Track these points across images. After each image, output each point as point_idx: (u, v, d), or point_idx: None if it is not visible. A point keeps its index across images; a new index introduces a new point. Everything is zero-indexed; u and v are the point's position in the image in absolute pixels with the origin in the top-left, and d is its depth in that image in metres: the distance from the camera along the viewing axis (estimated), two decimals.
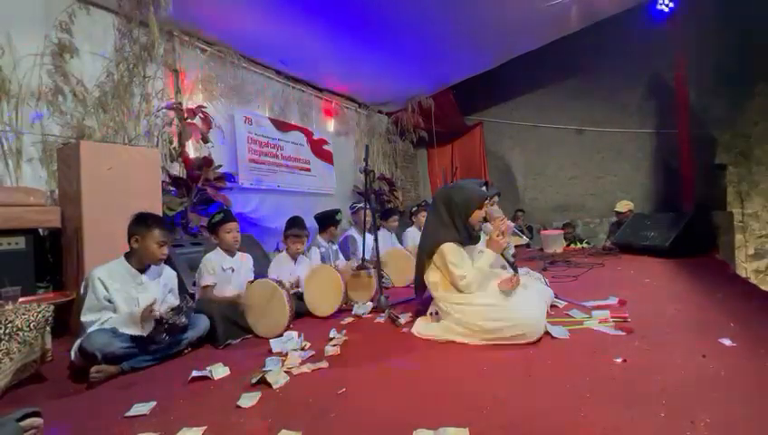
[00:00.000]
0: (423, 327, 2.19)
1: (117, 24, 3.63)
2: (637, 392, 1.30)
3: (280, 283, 2.42)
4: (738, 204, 3.53)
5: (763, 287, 2.93)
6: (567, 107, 6.88)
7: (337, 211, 3.56)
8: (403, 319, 2.46)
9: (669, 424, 1.10)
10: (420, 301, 2.60)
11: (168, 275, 2.28)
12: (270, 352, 2.00)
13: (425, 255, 2.24)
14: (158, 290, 2.16)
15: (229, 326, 2.29)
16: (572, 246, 5.94)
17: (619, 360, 1.57)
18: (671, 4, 4.83)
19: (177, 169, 4.03)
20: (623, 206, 5.52)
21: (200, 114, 4.08)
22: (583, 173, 6.89)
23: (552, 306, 2.45)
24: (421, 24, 4.73)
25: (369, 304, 2.86)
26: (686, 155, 5.12)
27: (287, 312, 2.30)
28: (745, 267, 3.34)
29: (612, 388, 1.35)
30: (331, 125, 6.57)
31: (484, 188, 2.30)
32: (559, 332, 1.94)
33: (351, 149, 6.96)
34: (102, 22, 3.59)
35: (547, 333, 1.93)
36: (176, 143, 4.01)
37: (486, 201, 2.25)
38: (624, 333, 1.89)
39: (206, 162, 4.06)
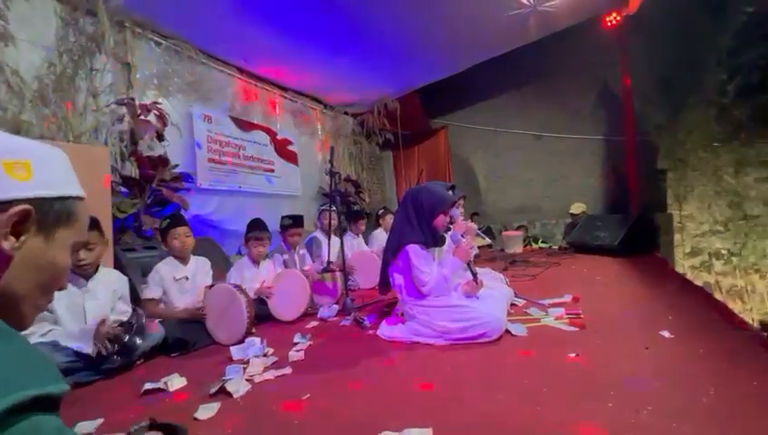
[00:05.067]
0: (389, 329, 2.20)
1: (59, 12, 3.36)
2: (589, 385, 1.38)
3: (239, 288, 2.33)
4: (677, 206, 3.84)
5: (697, 282, 3.20)
6: (526, 113, 7.19)
7: (291, 217, 3.30)
8: (368, 321, 2.46)
9: (617, 413, 1.17)
10: (386, 303, 2.61)
11: (118, 280, 2.14)
12: (230, 360, 1.92)
13: (390, 253, 2.25)
14: (106, 297, 2.02)
15: (187, 336, 2.19)
16: (530, 246, 6.22)
17: (573, 355, 1.66)
18: (618, 18, 5.20)
19: (129, 169, 3.78)
20: (577, 208, 5.86)
21: (155, 111, 3.86)
22: (541, 176, 7.23)
23: (512, 305, 2.54)
24: (388, 28, 4.77)
25: (335, 307, 2.83)
26: (632, 160, 5.51)
27: (246, 318, 2.22)
28: (683, 264, 3.63)
29: (567, 382, 1.43)
30: (295, 125, 6.45)
31: (450, 192, 2.34)
32: (518, 329, 2.02)
33: (317, 150, 6.87)
34: (42, 8, 3.31)
35: (507, 331, 2.00)
36: (127, 141, 3.77)
37: (452, 205, 2.29)
38: (578, 329, 2.00)
39: (162, 162, 3.83)
